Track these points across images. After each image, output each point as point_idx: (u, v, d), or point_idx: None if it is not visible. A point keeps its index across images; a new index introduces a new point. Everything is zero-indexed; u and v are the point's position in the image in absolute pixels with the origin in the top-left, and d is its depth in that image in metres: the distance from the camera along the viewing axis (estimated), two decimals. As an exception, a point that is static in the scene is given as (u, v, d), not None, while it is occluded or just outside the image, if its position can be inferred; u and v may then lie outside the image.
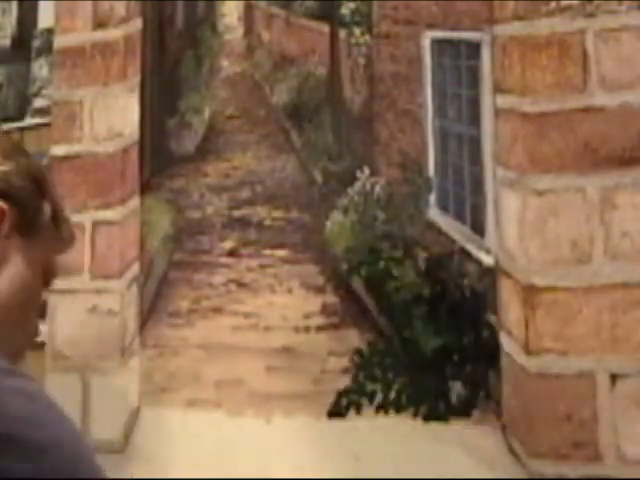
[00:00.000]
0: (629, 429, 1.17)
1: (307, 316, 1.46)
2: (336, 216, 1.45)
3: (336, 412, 1.38)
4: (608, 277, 1.21)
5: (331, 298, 1.44)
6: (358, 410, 1.38)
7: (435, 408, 1.32)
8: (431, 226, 1.37)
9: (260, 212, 1.54)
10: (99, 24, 1.67)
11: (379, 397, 1.37)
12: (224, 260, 1.55)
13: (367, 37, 1.47)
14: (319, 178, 1.49)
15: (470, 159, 1.36)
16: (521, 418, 1.25)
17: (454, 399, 1.32)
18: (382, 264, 1.39)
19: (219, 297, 1.54)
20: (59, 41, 1.71)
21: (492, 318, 1.30)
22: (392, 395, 1.36)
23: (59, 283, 1.65)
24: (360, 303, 1.42)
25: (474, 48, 1.36)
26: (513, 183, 1.28)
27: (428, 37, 1.41)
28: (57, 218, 0.86)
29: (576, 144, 1.24)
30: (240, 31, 1.65)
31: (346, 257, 1.43)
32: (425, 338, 1.34)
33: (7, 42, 1.94)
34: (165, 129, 1.65)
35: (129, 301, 1.59)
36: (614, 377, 1.19)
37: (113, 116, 1.63)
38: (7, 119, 1.89)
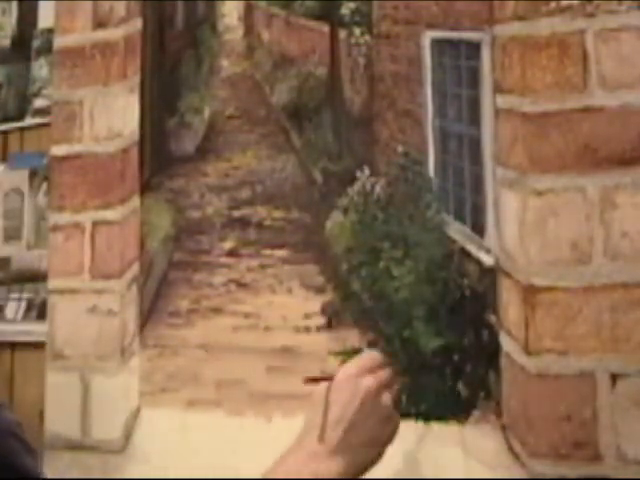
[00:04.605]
0: (629, 429, 1.17)
1: (307, 316, 1.46)
2: (336, 216, 1.45)
3: (336, 412, 1.37)
4: (608, 277, 1.21)
5: (331, 298, 1.44)
6: (358, 410, 1.38)
7: (435, 408, 1.32)
8: (431, 226, 1.37)
9: (260, 212, 1.54)
10: (99, 24, 1.67)
11: (379, 397, 1.37)
12: (224, 260, 1.55)
13: (367, 37, 1.47)
14: (319, 178, 1.49)
15: (470, 159, 1.36)
16: (521, 418, 1.25)
17: (454, 399, 1.32)
18: (382, 264, 1.39)
19: (219, 297, 1.54)
20: (59, 41, 1.71)
21: (492, 318, 1.30)
22: (392, 395, 1.36)
23: (59, 283, 1.66)
24: (360, 303, 1.42)
25: (474, 48, 1.36)
26: (513, 183, 1.28)
27: (428, 37, 1.41)
28: None
29: (576, 144, 1.24)
30: (240, 31, 1.65)
31: (346, 257, 1.43)
32: (425, 338, 1.34)
33: (7, 42, 1.95)
34: (165, 129, 1.65)
35: (129, 301, 1.59)
36: (614, 377, 1.19)
37: (113, 116, 1.63)
38: (7, 119, 1.90)
